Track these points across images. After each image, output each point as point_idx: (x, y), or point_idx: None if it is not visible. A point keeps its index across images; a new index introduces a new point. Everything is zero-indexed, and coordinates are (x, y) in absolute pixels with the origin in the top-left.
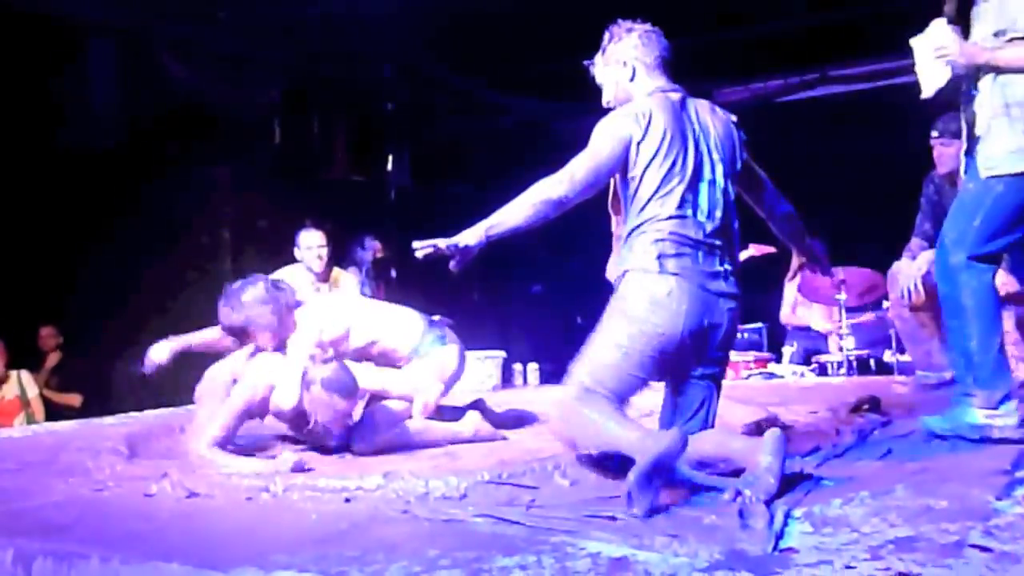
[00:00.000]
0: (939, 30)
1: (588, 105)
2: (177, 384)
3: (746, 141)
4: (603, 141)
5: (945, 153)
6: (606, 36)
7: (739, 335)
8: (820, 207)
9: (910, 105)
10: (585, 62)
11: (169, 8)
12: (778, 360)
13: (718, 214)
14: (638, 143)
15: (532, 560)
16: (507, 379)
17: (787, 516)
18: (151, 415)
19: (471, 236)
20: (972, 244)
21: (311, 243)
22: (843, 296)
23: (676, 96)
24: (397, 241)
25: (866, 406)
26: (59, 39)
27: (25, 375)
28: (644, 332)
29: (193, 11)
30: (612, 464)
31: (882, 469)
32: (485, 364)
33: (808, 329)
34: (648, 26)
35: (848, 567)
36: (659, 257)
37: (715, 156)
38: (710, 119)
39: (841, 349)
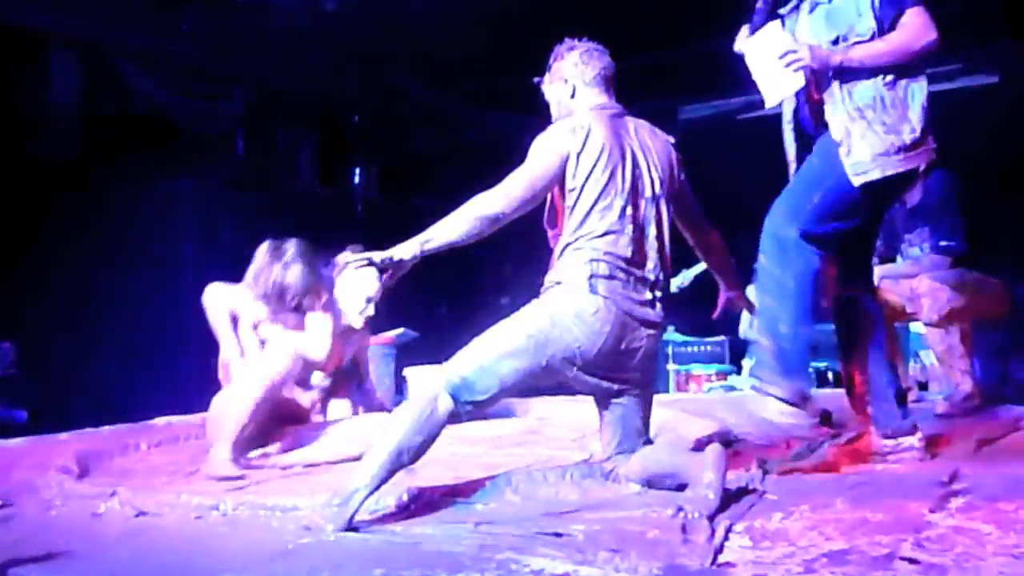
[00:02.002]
0: (778, 35)
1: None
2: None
3: (683, 161)
4: (539, 156)
5: None
6: (552, 55)
7: (701, 348)
8: None
9: None
10: (535, 80)
11: (132, 19)
12: (739, 373)
13: (653, 231)
14: (577, 155)
15: None
16: None
17: (727, 531)
18: (106, 431)
19: (406, 251)
20: (806, 220)
21: None
22: None
23: (615, 112)
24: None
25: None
26: (19, 49)
27: None
28: (563, 339)
29: (156, 22)
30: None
31: (824, 482)
32: None
33: None
34: (590, 44)
35: None
36: (591, 277)
37: (654, 173)
38: (648, 138)
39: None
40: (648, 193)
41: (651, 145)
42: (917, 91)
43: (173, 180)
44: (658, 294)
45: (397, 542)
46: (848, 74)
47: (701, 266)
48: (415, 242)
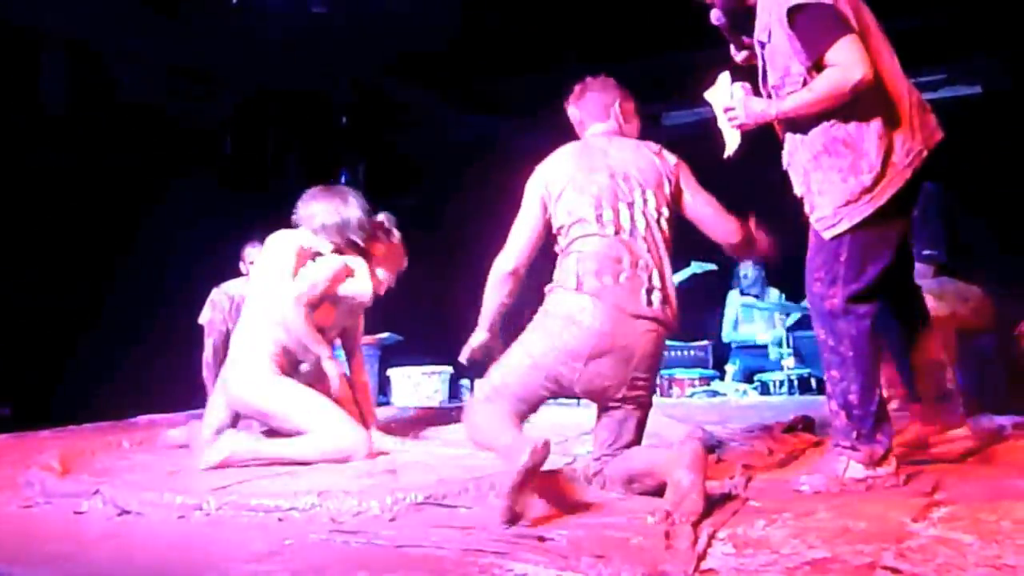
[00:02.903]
0: (725, 88)
1: (539, 121)
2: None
3: (677, 164)
4: (526, 203)
5: None
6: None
7: (685, 353)
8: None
9: None
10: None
11: (122, 19)
12: (722, 378)
13: (642, 233)
14: (546, 183)
15: None
16: (454, 394)
17: (711, 537)
18: (89, 428)
19: (477, 338)
20: (844, 281)
21: (256, 258)
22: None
23: (596, 135)
24: None
25: (799, 426)
26: (8, 49)
27: None
28: (555, 347)
29: (146, 22)
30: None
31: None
32: (432, 380)
33: (751, 347)
34: (592, 80)
35: None
36: (578, 275)
37: (633, 182)
38: (631, 153)
39: (782, 368)
40: (629, 199)
41: (633, 158)
42: (871, 123)
43: (161, 179)
44: (655, 293)
45: (380, 545)
46: (796, 123)
47: (694, 268)
48: (480, 329)
